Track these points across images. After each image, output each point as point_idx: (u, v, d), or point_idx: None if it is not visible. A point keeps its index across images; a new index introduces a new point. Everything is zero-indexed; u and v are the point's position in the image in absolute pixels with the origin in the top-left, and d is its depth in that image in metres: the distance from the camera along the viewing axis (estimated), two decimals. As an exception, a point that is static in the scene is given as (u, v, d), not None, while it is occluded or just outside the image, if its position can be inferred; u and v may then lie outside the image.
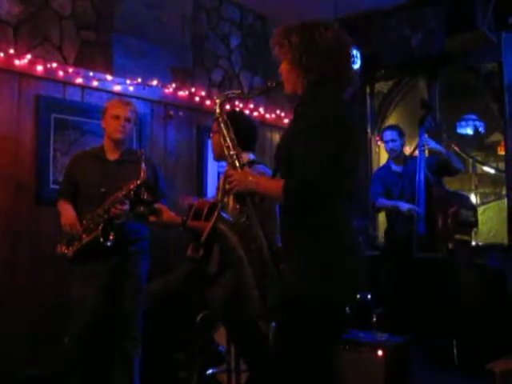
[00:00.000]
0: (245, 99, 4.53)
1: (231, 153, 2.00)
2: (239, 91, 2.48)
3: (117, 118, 2.97)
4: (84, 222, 2.86)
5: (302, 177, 1.63)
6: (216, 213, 2.05)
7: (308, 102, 1.78)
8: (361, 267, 1.77)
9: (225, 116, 2.09)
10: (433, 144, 3.96)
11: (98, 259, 2.87)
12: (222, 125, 2.06)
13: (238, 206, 1.92)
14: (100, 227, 2.78)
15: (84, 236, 2.84)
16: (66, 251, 2.86)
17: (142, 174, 2.82)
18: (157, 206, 2.80)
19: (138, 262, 3.02)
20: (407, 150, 4.26)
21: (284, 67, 1.88)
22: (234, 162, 1.98)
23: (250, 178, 1.85)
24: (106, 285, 2.93)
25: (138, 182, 2.83)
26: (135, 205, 2.81)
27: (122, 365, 2.97)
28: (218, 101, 2.11)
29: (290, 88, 1.89)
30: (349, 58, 1.85)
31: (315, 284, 1.67)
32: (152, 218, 2.78)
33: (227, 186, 1.89)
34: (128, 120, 3.00)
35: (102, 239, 2.77)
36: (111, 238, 2.78)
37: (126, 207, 2.84)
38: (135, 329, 2.99)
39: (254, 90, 2.11)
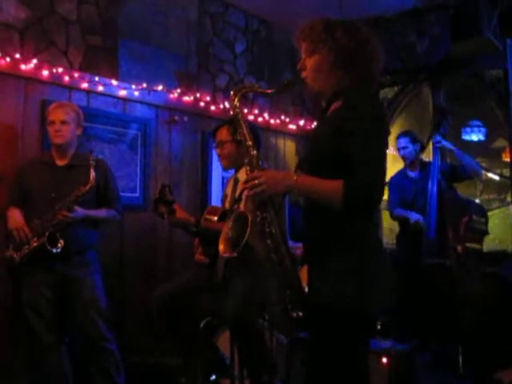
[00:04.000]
0: (254, 97, 4.54)
1: (253, 153, 1.79)
2: (258, 85, 2.18)
3: (52, 123, 2.95)
4: (32, 226, 2.80)
5: (368, 177, 1.58)
6: (249, 224, 1.77)
7: (353, 104, 1.66)
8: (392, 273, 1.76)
9: (244, 112, 1.90)
10: (446, 143, 3.93)
11: (45, 267, 2.84)
12: (242, 121, 1.84)
13: (258, 213, 1.73)
14: (47, 233, 2.75)
15: (33, 241, 2.79)
16: (14, 255, 2.80)
17: (91, 180, 2.82)
18: (175, 205, 2.77)
19: (86, 271, 2.96)
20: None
21: (315, 63, 1.74)
22: (253, 164, 1.77)
23: (282, 177, 1.69)
24: (56, 293, 2.90)
25: (86, 188, 2.82)
26: (158, 204, 2.77)
27: (103, 380, 2.93)
28: (234, 96, 1.84)
29: (317, 86, 1.76)
30: (378, 61, 1.78)
31: (359, 290, 1.62)
32: (165, 217, 2.76)
33: (252, 190, 1.68)
34: (64, 122, 2.95)
35: (48, 245, 2.74)
36: (60, 245, 2.75)
37: (74, 214, 2.81)
38: (103, 339, 2.93)
39: (275, 85, 1.94)
